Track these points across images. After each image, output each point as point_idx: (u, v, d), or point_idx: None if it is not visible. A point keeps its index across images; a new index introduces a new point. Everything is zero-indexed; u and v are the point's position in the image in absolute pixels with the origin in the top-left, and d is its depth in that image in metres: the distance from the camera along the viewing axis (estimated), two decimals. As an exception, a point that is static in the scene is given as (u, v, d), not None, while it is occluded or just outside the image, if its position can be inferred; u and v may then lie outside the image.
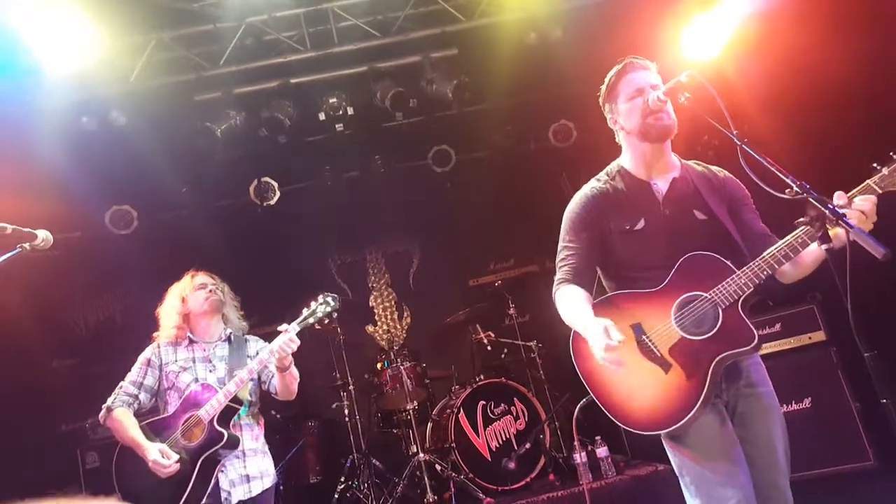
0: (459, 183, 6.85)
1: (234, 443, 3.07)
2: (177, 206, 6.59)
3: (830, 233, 1.87)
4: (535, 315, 6.57)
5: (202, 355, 3.27)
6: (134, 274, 6.28)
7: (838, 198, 1.93)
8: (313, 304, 3.26)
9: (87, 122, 5.24)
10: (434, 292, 7.23)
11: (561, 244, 2.46)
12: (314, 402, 6.45)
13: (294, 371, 3.23)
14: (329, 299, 3.25)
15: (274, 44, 5.32)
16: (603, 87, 2.49)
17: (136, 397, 3.17)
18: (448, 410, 5.31)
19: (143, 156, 5.51)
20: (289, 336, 3.07)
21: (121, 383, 3.21)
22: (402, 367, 5.35)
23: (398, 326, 7.34)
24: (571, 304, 2.32)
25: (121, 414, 3.09)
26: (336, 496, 5.26)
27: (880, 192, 1.91)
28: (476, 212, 6.95)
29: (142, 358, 3.26)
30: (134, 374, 3.23)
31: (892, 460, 4.23)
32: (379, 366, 5.56)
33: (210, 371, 3.22)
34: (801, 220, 1.90)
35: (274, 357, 3.07)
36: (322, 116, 5.62)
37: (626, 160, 2.47)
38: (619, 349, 2.05)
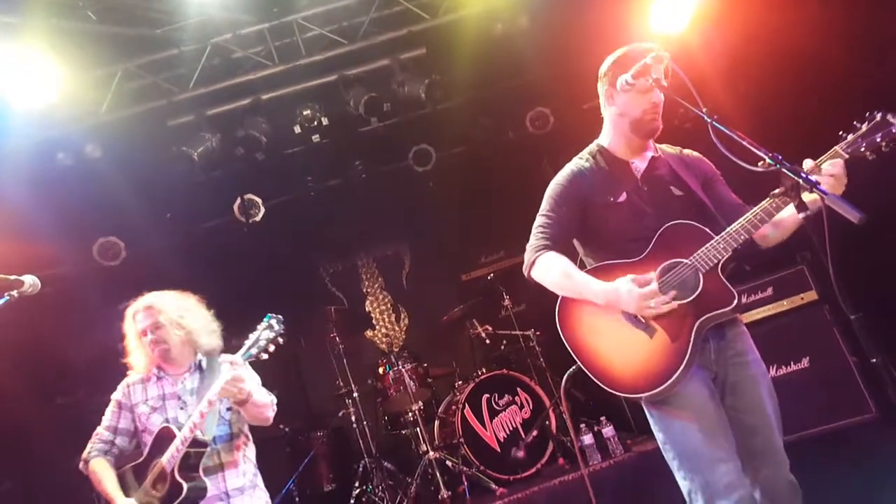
0: (442, 180, 6.87)
1: (196, 495, 2.74)
2: (163, 232, 6.55)
3: (806, 200, 1.92)
4: (531, 304, 6.58)
5: (171, 391, 3.00)
6: (127, 303, 6.24)
7: (807, 165, 1.98)
8: (256, 332, 2.90)
9: (63, 157, 5.23)
10: (429, 291, 7.25)
11: (539, 214, 2.51)
12: (321, 413, 6.46)
13: (258, 400, 2.90)
14: (273, 322, 2.91)
15: (242, 62, 5.32)
16: (610, 59, 2.40)
17: (113, 443, 2.95)
18: (453, 407, 5.34)
19: (123, 186, 5.50)
20: (227, 377, 2.74)
21: (97, 429, 3.01)
22: (403, 369, 5.38)
23: (396, 328, 7.35)
24: (566, 270, 2.36)
25: (96, 465, 2.89)
26: (352, 501, 5.29)
27: (847, 157, 1.96)
28: (462, 207, 6.98)
29: (112, 400, 3.04)
30: (107, 418, 3.01)
31: (894, 410, 4.29)
32: (381, 370, 5.59)
33: (181, 409, 2.94)
34: (777, 190, 1.94)
35: (219, 399, 2.78)
36: (297, 129, 5.62)
37: (605, 139, 2.53)
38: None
